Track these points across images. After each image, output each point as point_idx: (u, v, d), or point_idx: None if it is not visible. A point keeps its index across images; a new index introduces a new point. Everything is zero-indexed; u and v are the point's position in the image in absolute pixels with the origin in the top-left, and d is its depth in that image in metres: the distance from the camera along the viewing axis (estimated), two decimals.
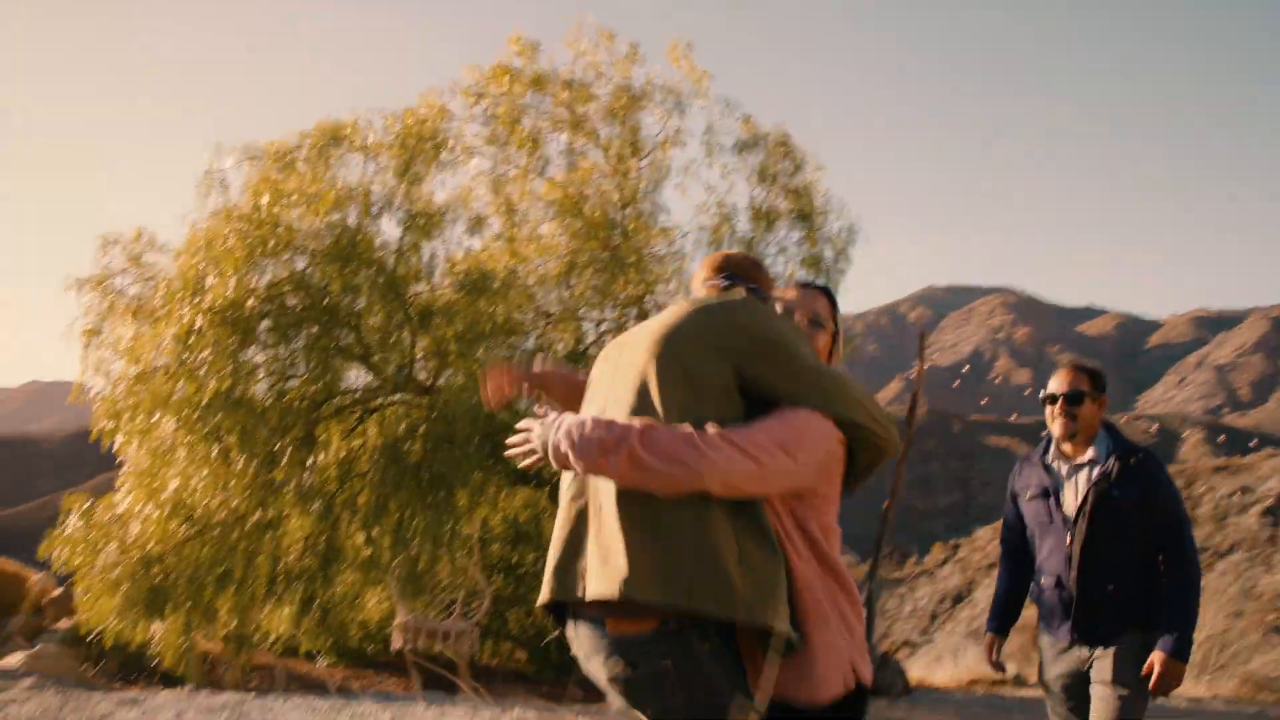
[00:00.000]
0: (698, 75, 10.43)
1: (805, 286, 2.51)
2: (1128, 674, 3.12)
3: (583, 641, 2.06)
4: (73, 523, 8.33)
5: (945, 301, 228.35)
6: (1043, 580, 3.41)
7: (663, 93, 10.48)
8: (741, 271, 2.45)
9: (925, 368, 11.59)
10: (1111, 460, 3.23)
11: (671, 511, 1.95)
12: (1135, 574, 3.23)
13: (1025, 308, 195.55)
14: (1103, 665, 3.21)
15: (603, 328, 10.46)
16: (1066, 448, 3.37)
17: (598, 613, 2.01)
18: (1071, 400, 3.31)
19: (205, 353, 7.40)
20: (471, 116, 9.85)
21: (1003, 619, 3.64)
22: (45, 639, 8.48)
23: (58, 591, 9.72)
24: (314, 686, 8.35)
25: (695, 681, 1.93)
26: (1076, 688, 3.31)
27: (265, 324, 7.78)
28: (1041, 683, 3.51)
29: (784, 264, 10.48)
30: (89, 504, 8.46)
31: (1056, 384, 3.39)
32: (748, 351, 2.13)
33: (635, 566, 1.91)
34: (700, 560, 1.92)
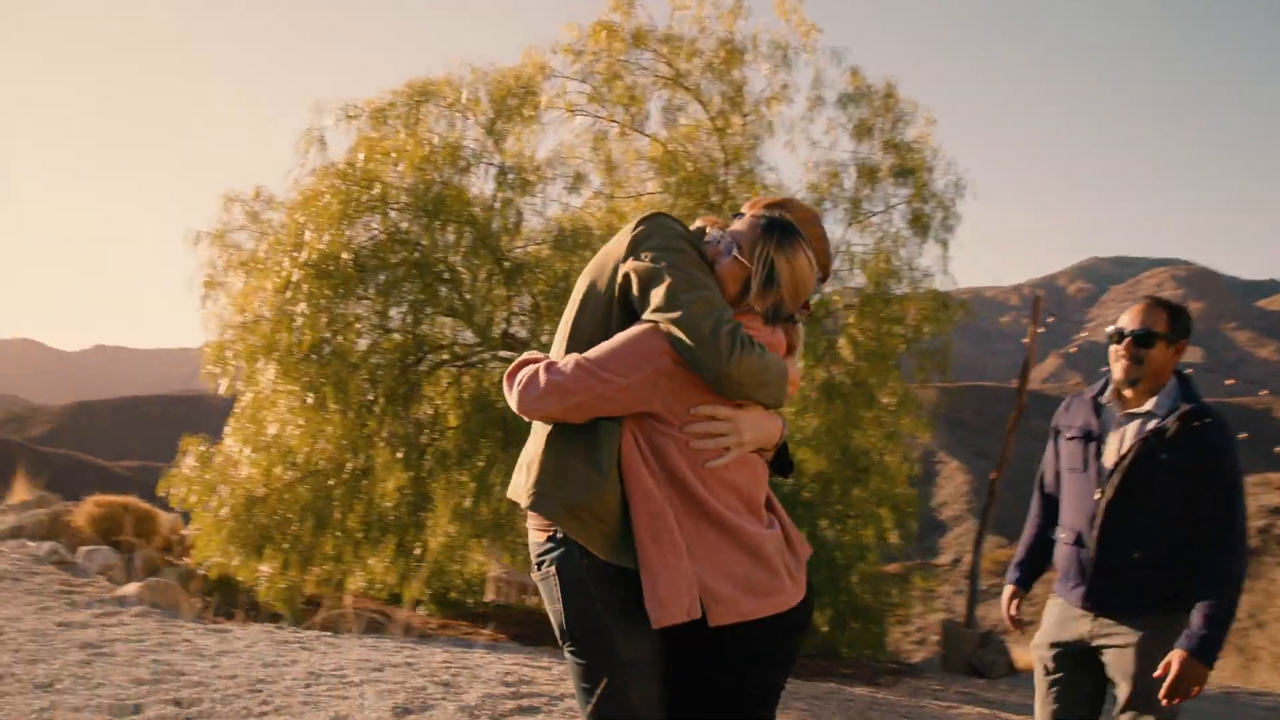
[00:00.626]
0: (806, 28, 10.12)
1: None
2: (1154, 685, 2.73)
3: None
4: (188, 463, 8.85)
5: (1108, 274, 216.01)
6: (1061, 534, 3.06)
7: (769, 47, 10.23)
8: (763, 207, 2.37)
9: (1041, 332, 11.01)
10: (1172, 418, 2.83)
11: (541, 430, 2.18)
12: (1167, 545, 2.83)
13: (1199, 281, 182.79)
14: (1121, 657, 2.84)
15: None
16: (1127, 393, 2.96)
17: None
18: (1141, 340, 2.88)
19: (301, 305, 7.70)
20: (573, 74, 9.83)
21: (1027, 570, 3.27)
22: (165, 573, 9.05)
23: (185, 530, 10.42)
24: (398, 631, 8.64)
25: (574, 592, 2.13)
26: (1074, 660, 2.97)
27: (359, 277, 8.02)
28: (1034, 646, 3.15)
29: (889, 222, 10.10)
30: (204, 446, 8.97)
31: (1127, 319, 2.96)
32: (627, 261, 2.17)
33: (516, 476, 2.21)
34: (534, 473, 2.15)
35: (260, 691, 4.20)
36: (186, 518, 10.57)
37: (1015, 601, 3.29)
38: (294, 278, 7.70)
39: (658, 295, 2.08)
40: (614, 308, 2.20)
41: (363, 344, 8.27)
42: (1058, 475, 3.18)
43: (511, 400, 2.18)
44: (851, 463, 10.22)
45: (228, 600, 8.78)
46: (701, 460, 2.10)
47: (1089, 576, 2.92)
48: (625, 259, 2.18)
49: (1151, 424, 2.88)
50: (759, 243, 2.18)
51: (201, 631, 6.08)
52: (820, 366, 10.15)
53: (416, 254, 8.06)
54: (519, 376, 2.16)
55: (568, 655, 2.19)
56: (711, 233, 2.27)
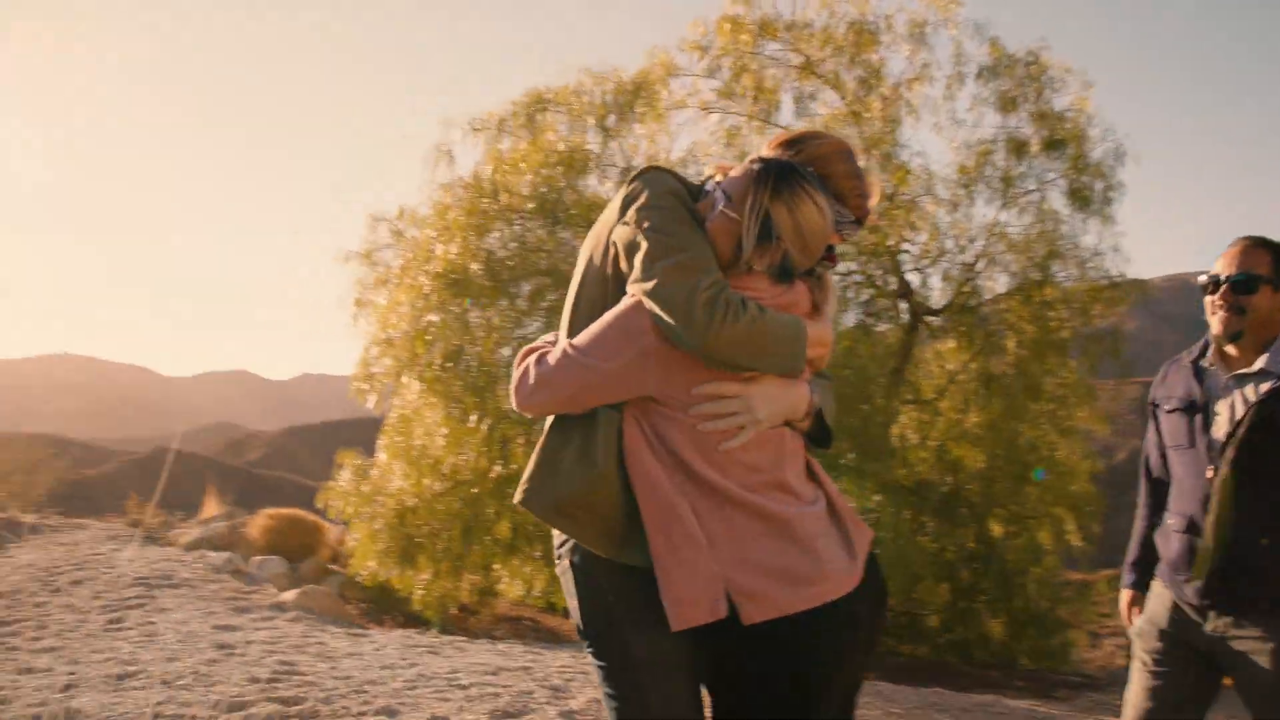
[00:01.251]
0: (943, 3, 9.61)
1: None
2: None
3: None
4: (345, 477, 9.24)
5: None
6: (1171, 521, 2.63)
7: (907, 26, 9.79)
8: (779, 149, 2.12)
9: None
10: None
11: (545, 422, 2.02)
12: None
13: None
14: (1250, 666, 2.40)
15: (847, 283, 9.95)
16: (1230, 350, 2.54)
17: None
18: (1240, 287, 2.46)
19: (433, 316, 7.90)
20: (701, 70, 9.70)
21: (1143, 570, 2.82)
22: (328, 581, 9.48)
23: (345, 541, 10.91)
24: (545, 637, 8.69)
25: (586, 587, 1.97)
26: (1182, 659, 2.54)
27: (492, 287, 8.15)
28: (1134, 633, 2.72)
29: (1046, 199, 9.43)
30: (359, 460, 9.34)
31: (1222, 265, 2.54)
32: (616, 227, 1.97)
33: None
34: (528, 468, 1.99)
35: (366, 692, 4.25)
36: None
37: (1135, 608, 2.86)
38: (425, 290, 7.91)
39: (636, 264, 1.88)
40: (610, 283, 2.00)
41: (505, 353, 8.38)
42: (1164, 457, 2.75)
43: (511, 398, 2.04)
44: (1018, 459, 9.58)
45: (383, 608, 9.08)
46: (715, 444, 1.86)
47: (1206, 569, 2.48)
48: (616, 224, 1.98)
49: (1266, 385, 2.43)
50: (751, 191, 1.89)
51: (341, 636, 6.28)
52: (979, 357, 9.58)
53: (544, 261, 8.13)
54: (515, 371, 2.01)
55: (588, 654, 2.02)
56: (709, 185, 2.02)
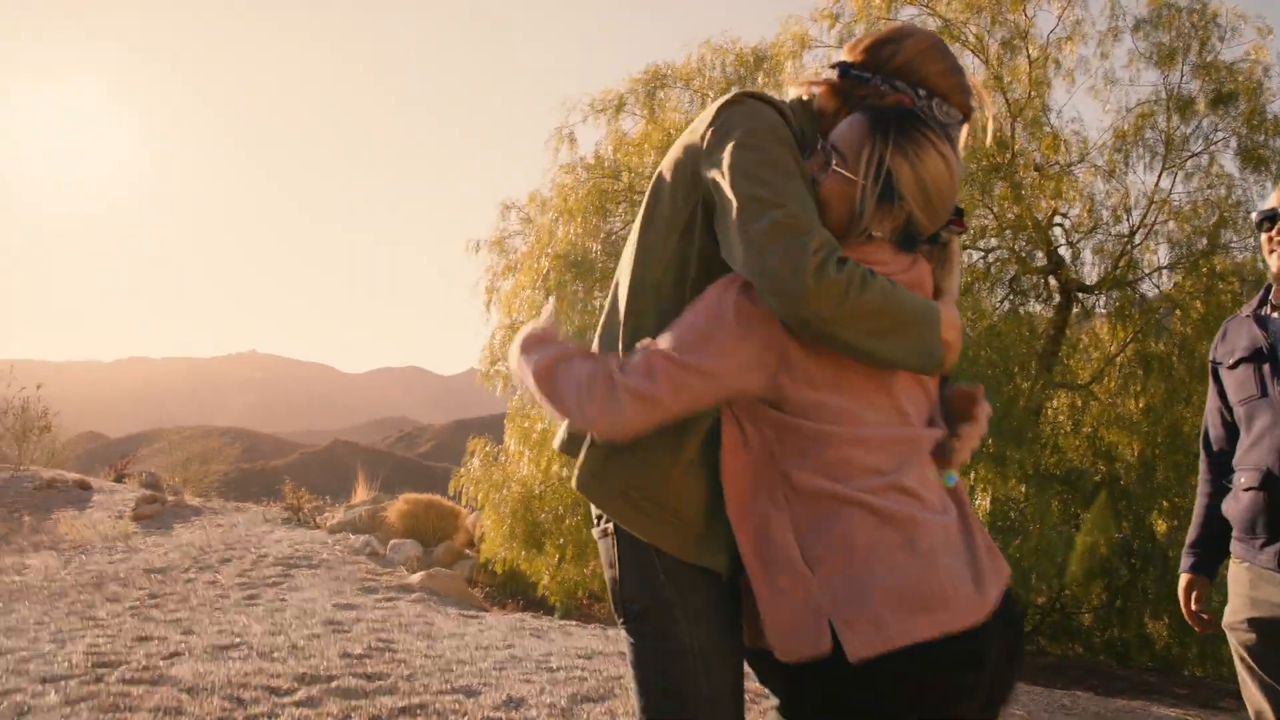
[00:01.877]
0: None
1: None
2: None
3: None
4: (475, 463, 9.37)
5: None
6: (1243, 478, 2.28)
7: None
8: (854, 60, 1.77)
9: None
10: None
11: None
12: None
13: None
14: None
15: (991, 260, 9.35)
16: None
17: None
18: None
19: (552, 299, 7.87)
20: (834, 41, 9.32)
21: (1206, 551, 2.50)
22: (459, 565, 9.66)
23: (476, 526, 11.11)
24: None
25: (633, 555, 1.69)
26: None
27: (609, 267, 8.06)
28: (1226, 626, 2.36)
29: (1216, 162, 8.59)
30: (489, 446, 9.46)
31: (1276, 198, 2.27)
32: (705, 174, 1.61)
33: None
34: (583, 450, 1.70)
35: (452, 671, 4.22)
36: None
37: (1195, 593, 2.52)
38: (547, 272, 7.91)
39: (727, 227, 1.54)
40: (696, 230, 1.65)
41: None
42: (1228, 425, 2.45)
43: (567, 417, 1.59)
44: (1182, 447, 8.79)
45: (511, 593, 9.17)
46: (829, 448, 1.52)
47: None
48: (705, 160, 1.63)
49: None
50: (866, 144, 1.58)
51: (455, 617, 6.34)
52: (1138, 336, 8.85)
53: None
54: (564, 386, 1.56)
55: (623, 633, 1.74)
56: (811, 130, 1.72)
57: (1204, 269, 8.56)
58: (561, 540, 8.54)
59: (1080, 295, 9.25)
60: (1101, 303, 9.17)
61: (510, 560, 8.80)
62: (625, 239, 8.53)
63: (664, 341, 1.53)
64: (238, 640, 4.69)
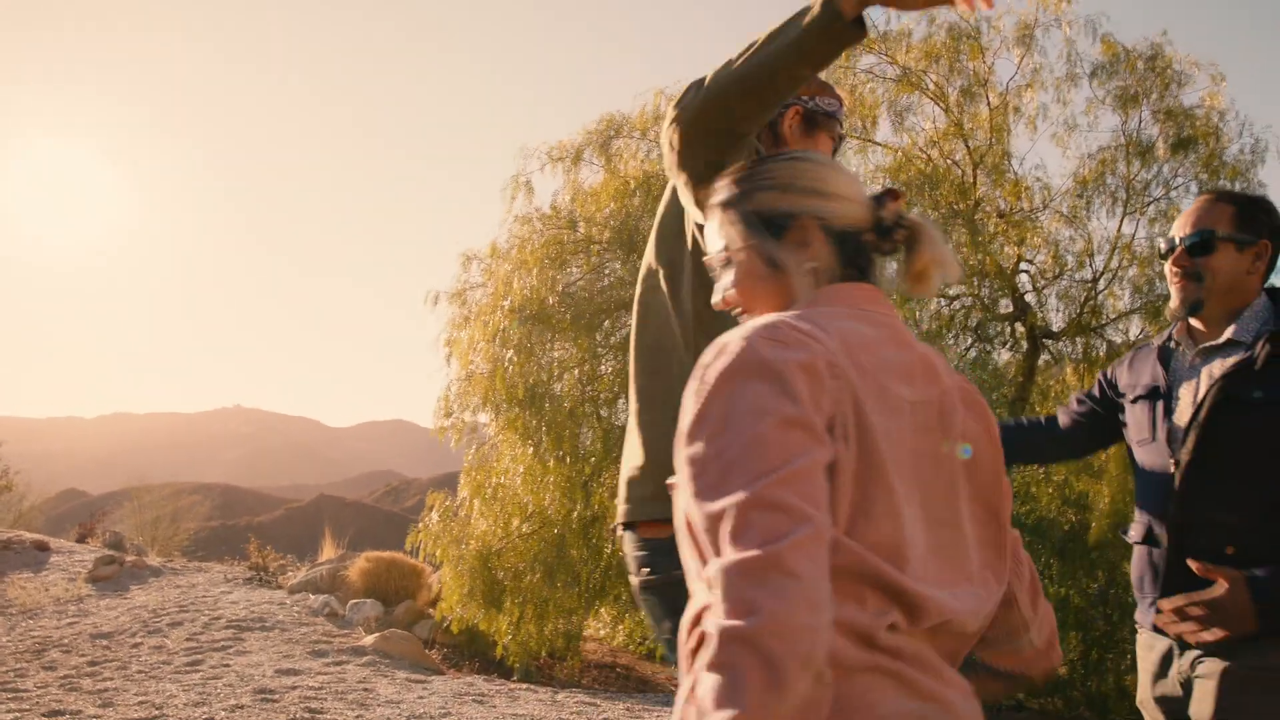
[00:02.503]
0: (1054, 1, 8.98)
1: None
2: None
3: (626, 548, 1.94)
4: (434, 518, 9.17)
5: None
6: (1132, 530, 2.15)
7: (1016, 29, 9.18)
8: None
9: None
10: (1261, 345, 1.93)
11: (635, 435, 1.94)
12: (1274, 533, 1.88)
13: None
14: (1200, 701, 1.88)
15: (956, 307, 9.29)
16: (1195, 324, 2.10)
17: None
18: (1196, 248, 2.04)
19: (510, 352, 7.76)
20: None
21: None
22: (420, 625, 9.41)
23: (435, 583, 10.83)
24: (634, 686, 8.33)
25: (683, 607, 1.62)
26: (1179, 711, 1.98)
27: (569, 320, 7.96)
28: (1139, 702, 2.17)
29: (1176, 205, 8.58)
30: (448, 501, 9.27)
31: (1179, 225, 2.13)
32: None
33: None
34: (642, 466, 1.89)
35: None
36: None
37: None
38: (502, 325, 7.80)
39: None
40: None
41: (566, 386, 8.17)
42: (1076, 417, 2.41)
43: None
44: None
45: (470, 653, 8.93)
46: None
47: (1162, 585, 1.99)
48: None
49: (1234, 358, 1.98)
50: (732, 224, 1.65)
51: (400, 682, 6.13)
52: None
53: (624, 293, 7.90)
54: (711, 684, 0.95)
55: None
56: None
57: (1167, 314, 8.52)
58: (521, 598, 8.34)
59: (1046, 341, 9.20)
60: (1069, 349, 9.11)
61: (468, 619, 8.58)
62: (583, 289, 8.48)
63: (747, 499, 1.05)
64: (156, 714, 4.49)
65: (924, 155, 9.21)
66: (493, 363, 8.08)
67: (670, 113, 1.68)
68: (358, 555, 12.16)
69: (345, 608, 9.64)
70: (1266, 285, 2.08)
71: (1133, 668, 8.56)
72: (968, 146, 9.18)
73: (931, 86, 9.19)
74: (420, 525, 9.18)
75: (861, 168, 9.61)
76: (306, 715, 4.59)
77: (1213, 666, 1.89)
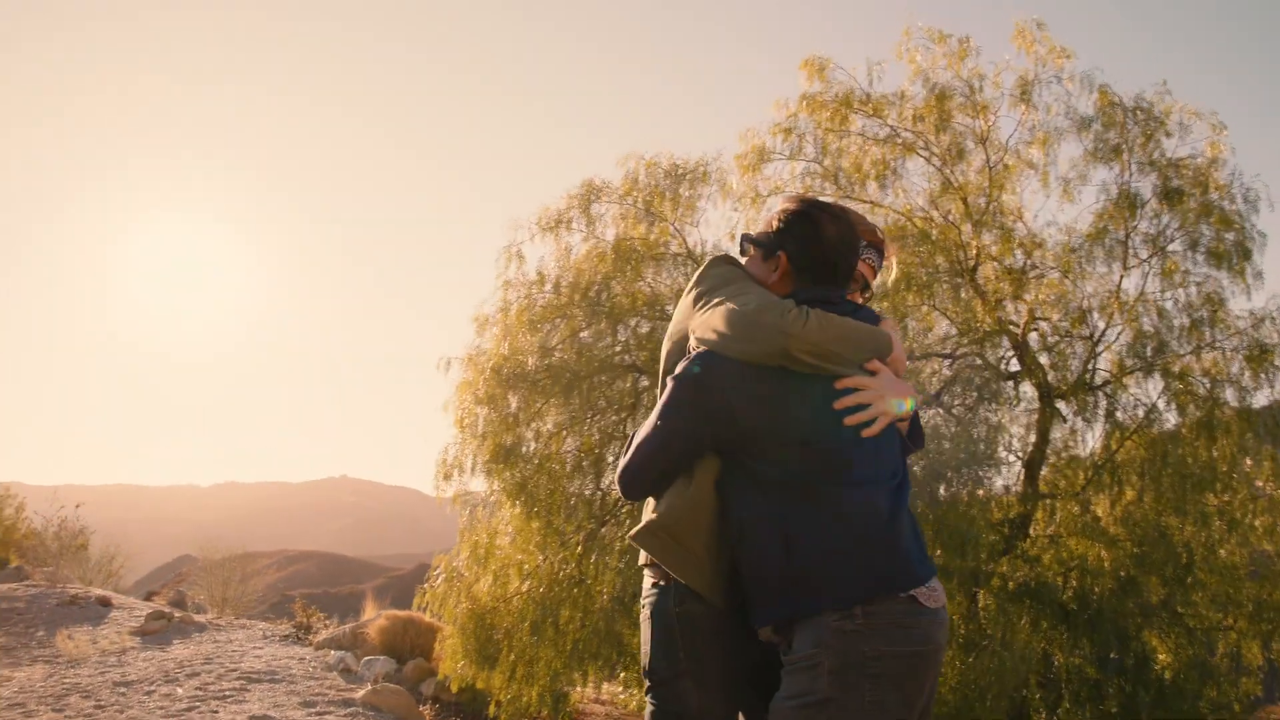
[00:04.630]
0: (1052, 55, 9.13)
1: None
2: None
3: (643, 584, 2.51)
4: (439, 577, 9.59)
5: None
6: None
7: (1016, 84, 9.36)
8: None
9: None
10: None
11: None
12: None
13: None
14: None
15: (958, 365, 9.35)
16: None
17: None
18: None
19: (488, 411, 8.20)
20: (787, 153, 9.67)
21: None
22: (427, 683, 9.78)
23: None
24: None
25: (662, 636, 2.37)
26: None
27: (544, 381, 8.35)
28: None
29: (1187, 258, 8.54)
30: (454, 561, 9.68)
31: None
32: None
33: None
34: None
35: None
36: None
37: None
38: (481, 387, 8.25)
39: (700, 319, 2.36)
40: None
41: (552, 447, 8.53)
42: None
43: None
44: (1173, 560, 8.49)
45: (468, 712, 9.24)
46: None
47: None
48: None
49: None
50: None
51: None
52: (1111, 443, 8.70)
53: (598, 355, 8.27)
54: None
55: (647, 697, 2.38)
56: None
57: (1174, 370, 8.45)
58: (513, 657, 8.64)
59: (1053, 399, 9.17)
60: (1074, 408, 9.06)
61: (466, 678, 8.91)
62: (562, 350, 8.86)
63: None
64: None
65: (924, 213, 9.39)
66: (482, 424, 8.52)
67: (789, 328, 2.16)
68: (396, 613, 12.65)
69: (360, 664, 10.09)
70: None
71: None
72: (965, 204, 9.33)
73: (925, 146, 9.40)
74: (427, 586, 9.60)
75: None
76: None
77: None
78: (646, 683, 2.35)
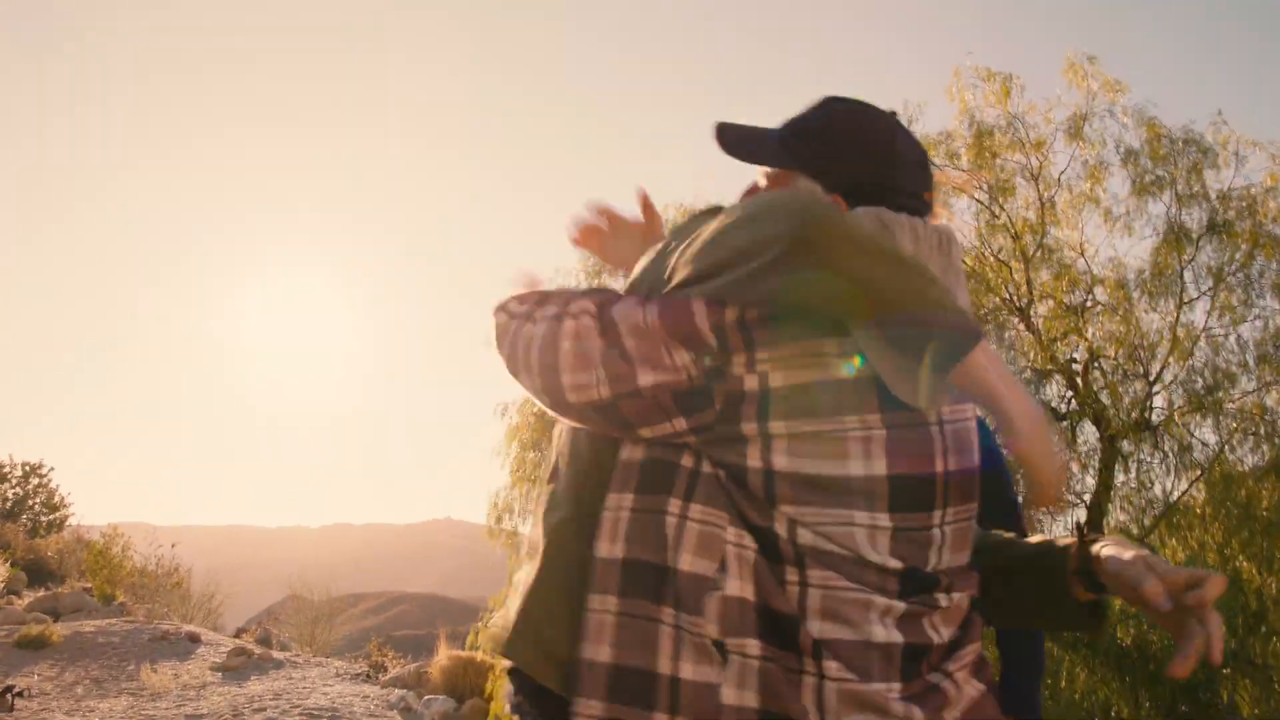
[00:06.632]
0: (1104, 89, 9.10)
1: None
2: None
3: None
4: (495, 619, 9.87)
5: None
6: None
7: (1068, 120, 9.33)
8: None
9: None
10: None
11: None
12: None
13: None
14: None
15: None
16: None
17: None
18: None
19: (534, 455, 8.49)
20: None
21: None
22: None
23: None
24: None
25: None
26: None
27: None
28: None
29: (1230, 294, 8.35)
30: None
31: None
32: None
33: None
34: None
35: None
36: None
37: None
38: (527, 432, 8.57)
39: None
40: None
41: None
42: None
43: None
44: (1243, 606, 8.23)
45: None
46: None
47: None
48: None
49: None
50: None
51: None
52: (1169, 482, 8.51)
53: None
54: None
55: None
56: None
57: (1241, 407, 8.24)
58: None
59: (1115, 439, 9.01)
60: (1137, 447, 8.89)
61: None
62: None
63: None
64: None
65: (975, 250, 9.39)
66: (529, 467, 8.83)
67: None
68: (469, 655, 13.00)
69: (420, 702, 10.42)
70: None
71: None
72: (1016, 240, 9.30)
73: (1001, 185, 9.38)
74: (481, 625, 9.90)
75: None
76: None
77: None
78: None
